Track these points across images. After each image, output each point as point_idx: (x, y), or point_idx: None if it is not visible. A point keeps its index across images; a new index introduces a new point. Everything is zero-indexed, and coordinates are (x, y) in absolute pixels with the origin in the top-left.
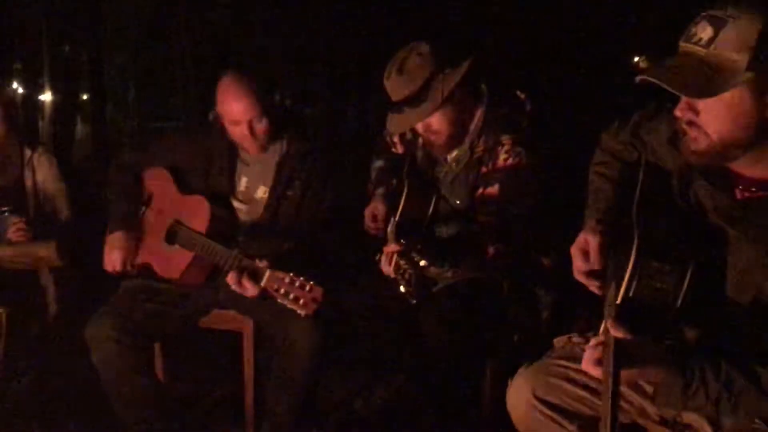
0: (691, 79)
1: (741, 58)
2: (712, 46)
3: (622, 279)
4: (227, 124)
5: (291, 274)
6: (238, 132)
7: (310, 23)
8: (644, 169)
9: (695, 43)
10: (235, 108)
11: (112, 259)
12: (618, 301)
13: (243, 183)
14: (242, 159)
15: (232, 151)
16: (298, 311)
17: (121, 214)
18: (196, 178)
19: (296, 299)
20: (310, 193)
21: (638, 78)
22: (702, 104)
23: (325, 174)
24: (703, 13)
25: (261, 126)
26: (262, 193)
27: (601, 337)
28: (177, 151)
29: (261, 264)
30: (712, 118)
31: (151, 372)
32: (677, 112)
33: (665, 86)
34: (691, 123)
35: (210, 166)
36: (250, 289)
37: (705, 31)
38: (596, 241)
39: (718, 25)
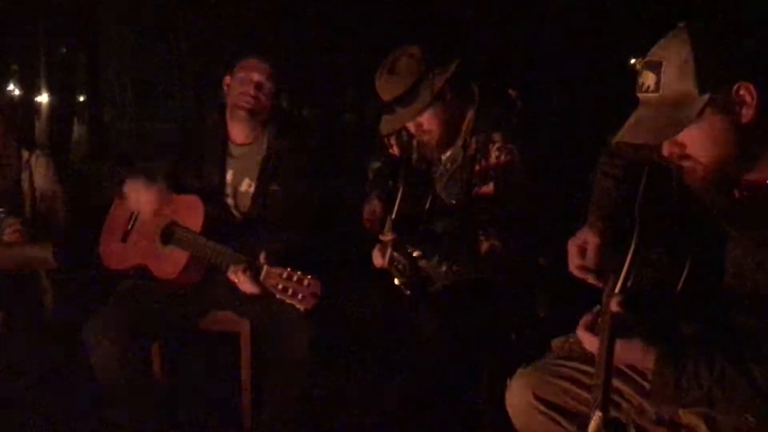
0: (656, 124)
1: (690, 88)
2: (660, 89)
3: (621, 269)
4: (236, 79)
5: (288, 269)
6: (243, 90)
7: (306, 25)
8: (648, 168)
9: (646, 92)
10: (254, 62)
11: (147, 200)
12: (617, 291)
13: (229, 175)
14: (230, 153)
15: (223, 144)
16: (298, 306)
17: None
18: (189, 173)
19: (295, 294)
20: (294, 190)
21: (614, 141)
22: (683, 138)
23: (311, 171)
24: (643, 61)
25: (267, 88)
26: (246, 186)
27: (595, 310)
28: (170, 148)
29: (258, 261)
30: (698, 146)
31: (148, 372)
32: (665, 152)
33: (641, 142)
34: (682, 157)
35: (202, 161)
36: (250, 285)
37: (649, 78)
38: (595, 240)
39: (656, 69)
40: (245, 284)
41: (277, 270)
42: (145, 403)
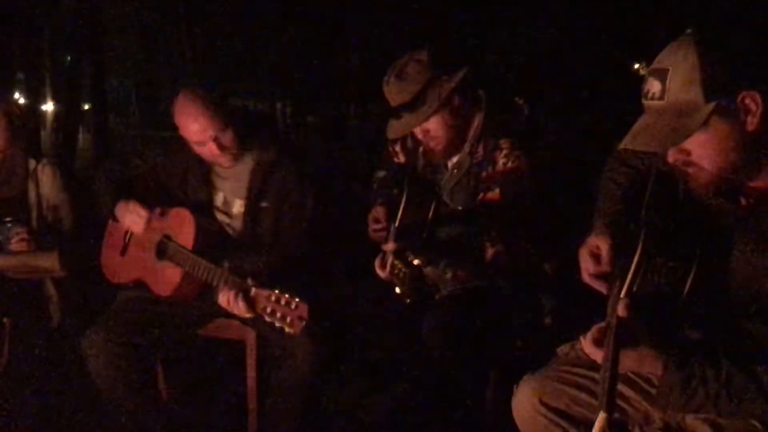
0: (661, 132)
1: (696, 96)
2: (666, 96)
3: (627, 274)
4: (193, 146)
5: (276, 291)
6: (206, 151)
7: (311, 33)
8: (654, 175)
9: (651, 99)
10: (196, 128)
11: (135, 219)
12: (623, 296)
13: (220, 198)
14: (216, 173)
15: (205, 165)
16: (286, 329)
17: (114, 201)
18: (175, 192)
19: (283, 317)
20: (286, 205)
21: (620, 147)
22: (688, 145)
23: (301, 183)
24: (649, 69)
25: (227, 138)
26: (239, 206)
27: (603, 324)
28: (157, 164)
29: (247, 282)
30: (702, 153)
31: (149, 381)
32: (670, 159)
33: (644, 149)
34: (686, 163)
35: (186, 182)
36: (242, 309)
37: (654, 86)
38: (607, 244)
39: (662, 76)
40: (237, 309)
41: (264, 292)
42: (145, 413)
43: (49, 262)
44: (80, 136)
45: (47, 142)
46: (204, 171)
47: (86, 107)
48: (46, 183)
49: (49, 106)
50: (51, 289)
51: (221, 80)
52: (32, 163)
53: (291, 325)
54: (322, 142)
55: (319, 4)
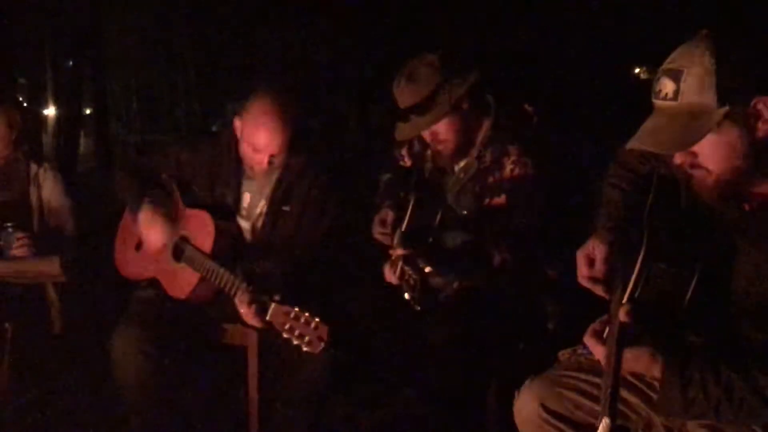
0: (672, 133)
1: (709, 99)
2: (679, 97)
3: (630, 279)
4: (245, 143)
5: (296, 309)
6: (255, 158)
7: (312, 36)
8: (656, 179)
9: (664, 99)
10: (264, 139)
11: (156, 237)
12: (625, 301)
13: (246, 199)
14: (246, 174)
15: (238, 165)
16: (304, 348)
17: (138, 196)
18: (200, 190)
19: (301, 336)
20: (309, 211)
21: (628, 147)
22: (697, 147)
23: (326, 191)
24: (661, 68)
25: (279, 159)
26: (261, 207)
27: (604, 318)
28: (181, 161)
29: (266, 297)
30: (709, 156)
31: (172, 386)
32: (677, 161)
33: (654, 150)
34: (693, 165)
35: (215, 179)
36: (254, 319)
37: (668, 86)
38: (603, 249)
39: (676, 77)
40: (249, 317)
41: (285, 308)
42: (162, 415)
43: (51, 267)
44: (81, 140)
45: (48, 146)
46: (236, 172)
47: (87, 112)
48: (47, 188)
49: (50, 111)
50: (52, 295)
51: (221, 85)
52: (34, 167)
53: (309, 344)
54: (321, 147)
55: (319, 6)
